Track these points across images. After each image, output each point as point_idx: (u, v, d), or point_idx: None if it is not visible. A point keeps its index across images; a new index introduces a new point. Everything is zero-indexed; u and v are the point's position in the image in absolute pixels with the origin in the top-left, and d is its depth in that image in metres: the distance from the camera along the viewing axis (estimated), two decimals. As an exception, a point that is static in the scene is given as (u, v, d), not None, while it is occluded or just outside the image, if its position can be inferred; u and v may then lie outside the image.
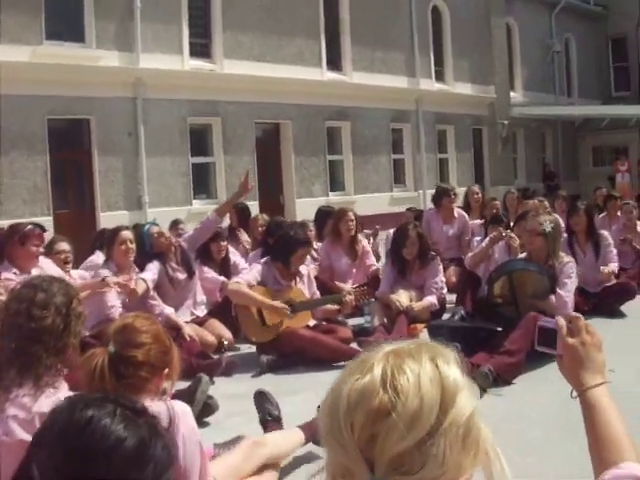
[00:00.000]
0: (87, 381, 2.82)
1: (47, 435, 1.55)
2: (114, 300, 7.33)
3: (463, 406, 1.36)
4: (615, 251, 9.70)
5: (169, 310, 7.67)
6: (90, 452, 1.49)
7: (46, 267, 7.14)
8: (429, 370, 1.37)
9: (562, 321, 2.12)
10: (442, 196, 11.78)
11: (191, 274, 8.31)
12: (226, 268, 9.16)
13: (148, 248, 8.13)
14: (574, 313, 2.18)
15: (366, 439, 1.32)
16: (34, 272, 7.04)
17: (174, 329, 7.24)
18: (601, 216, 12.58)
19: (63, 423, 1.54)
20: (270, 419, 4.92)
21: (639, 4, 33.82)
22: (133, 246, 7.70)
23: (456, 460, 1.33)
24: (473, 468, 1.37)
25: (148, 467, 1.54)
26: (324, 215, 11.28)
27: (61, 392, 3.10)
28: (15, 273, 6.81)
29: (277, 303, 7.49)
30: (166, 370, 2.99)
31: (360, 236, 10.36)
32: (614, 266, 9.44)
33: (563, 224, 12.21)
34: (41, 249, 7.22)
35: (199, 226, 8.67)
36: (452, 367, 1.40)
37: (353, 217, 10.05)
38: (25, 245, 6.93)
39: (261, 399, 5.05)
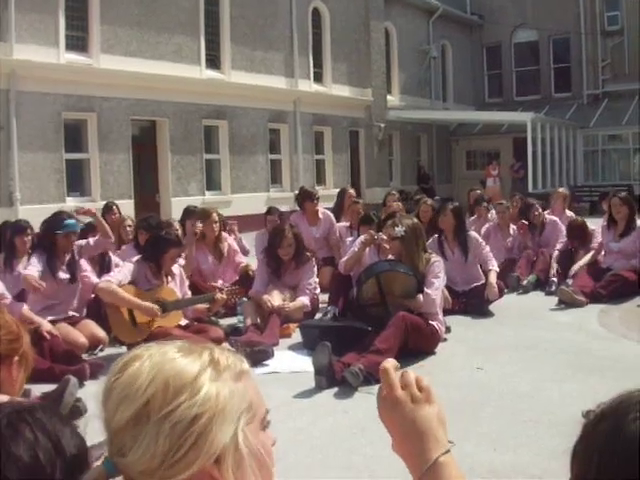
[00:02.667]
0: None
1: None
2: None
3: (188, 407, 1.34)
4: (488, 248, 9.98)
5: (21, 307, 7.35)
6: None
7: None
8: (161, 362, 1.39)
9: (389, 363, 1.63)
10: (305, 199, 11.90)
11: (74, 279, 8.14)
12: (107, 265, 9.02)
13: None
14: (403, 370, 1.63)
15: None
16: None
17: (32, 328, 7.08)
18: (472, 218, 13.00)
19: None
20: None
21: (513, 14, 34.91)
22: None
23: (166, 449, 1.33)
24: (196, 465, 1.34)
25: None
26: (189, 215, 11.28)
27: None
28: None
29: (147, 303, 7.43)
30: (16, 358, 2.89)
31: (225, 235, 10.40)
32: (494, 266, 9.72)
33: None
34: None
35: (95, 241, 8.42)
36: (186, 361, 1.40)
37: (217, 218, 10.07)
38: None
39: None
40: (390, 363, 1.62)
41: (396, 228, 7.61)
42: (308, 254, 9.03)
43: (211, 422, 1.34)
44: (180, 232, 10.51)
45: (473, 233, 10.11)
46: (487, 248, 9.96)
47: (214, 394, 1.36)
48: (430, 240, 9.58)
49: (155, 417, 1.33)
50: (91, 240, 8.36)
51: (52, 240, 7.94)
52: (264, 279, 8.85)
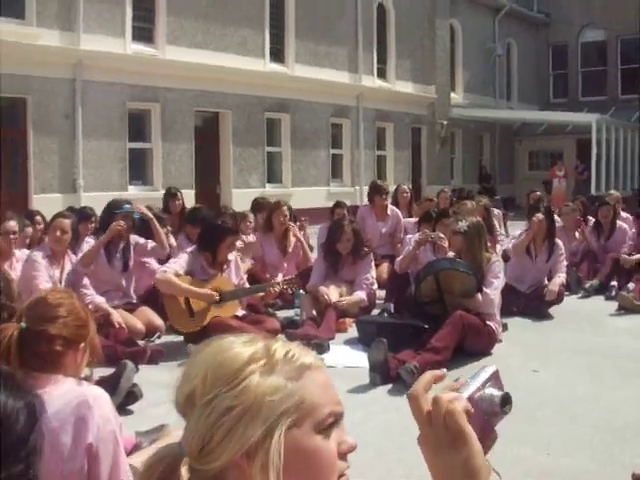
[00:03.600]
0: None
1: None
2: (43, 284, 7.18)
3: (224, 397, 1.34)
4: (565, 263, 9.89)
5: (99, 299, 7.59)
6: None
7: None
8: (215, 358, 1.39)
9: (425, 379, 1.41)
10: (375, 193, 11.87)
11: (127, 267, 8.26)
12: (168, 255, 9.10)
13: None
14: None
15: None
16: None
17: (103, 315, 7.25)
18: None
19: None
20: None
21: (581, 14, 34.37)
22: (67, 236, 7.58)
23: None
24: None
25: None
26: (259, 207, 11.31)
27: None
28: None
29: (205, 290, 7.45)
30: (82, 344, 2.96)
31: (295, 229, 10.35)
32: (562, 279, 9.58)
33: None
34: None
35: (151, 247, 8.47)
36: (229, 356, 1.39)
37: (287, 211, 10.04)
38: None
39: None
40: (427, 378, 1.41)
41: (459, 223, 7.54)
42: (366, 249, 9.00)
43: (243, 416, 1.32)
44: (253, 225, 10.59)
45: (559, 241, 9.93)
46: (565, 262, 9.86)
47: (253, 388, 1.34)
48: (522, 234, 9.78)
49: (199, 403, 1.34)
50: (149, 244, 8.42)
51: (110, 222, 8.05)
52: (322, 273, 8.84)
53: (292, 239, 10.09)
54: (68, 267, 7.60)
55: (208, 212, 10.05)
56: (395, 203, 12.67)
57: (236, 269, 8.05)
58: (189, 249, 7.94)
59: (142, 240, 8.44)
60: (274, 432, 1.32)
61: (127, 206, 8.33)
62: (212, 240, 7.70)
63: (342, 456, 1.41)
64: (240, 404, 1.32)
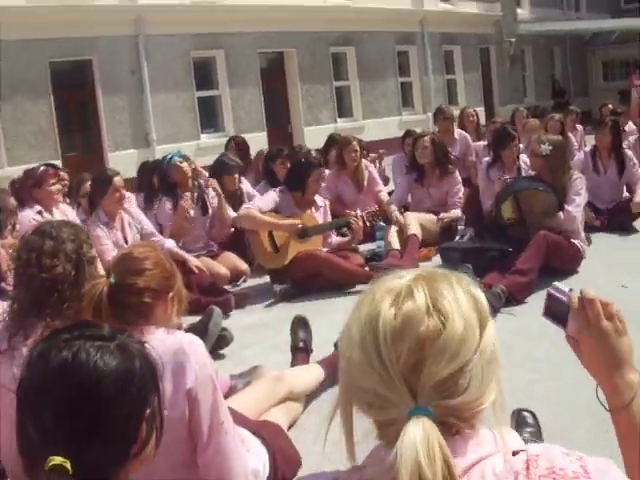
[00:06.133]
0: (88, 312, 2.83)
1: (29, 393, 1.60)
2: (111, 254, 7.07)
3: (491, 328, 1.40)
4: None
5: (170, 243, 7.51)
6: (76, 398, 1.55)
7: (68, 214, 7.41)
8: (463, 293, 1.38)
9: (575, 298, 1.76)
10: (437, 119, 11.75)
11: (205, 211, 8.29)
12: (239, 200, 9.13)
13: (169, 179, 8.21)
14: (604, 298, 1.75)
15: (410, 366, 1.31)
16: (56, 213, 7.28)
17: (180, 263, 7.27)
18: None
19: (40, 376, 1.59)
20: (302, 347, 4.97)
21: None
22: (125, 193, 7.56)
23: (485, 383, 1.36)
24: (493, 394, 1.37)
25: (131, 389, 1.60)
26: (331, 142, 11.23)
27: None
28: (39, 212, 7.09)
29: (288, 220, 7.39)
30: (170, 294, 3.01)
31: (366, 163, 10.28)
32: None
33: (576, 140, 12.14)
34: (59, 186, 7.48)
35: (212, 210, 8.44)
36: (479, 290, 1.42)
37: (357, 146, 9.95)
38: (42, 187, 7.23)
39: (299, 325, 5.11)
40: (591, 292, 1.74)
41: (542, 146, 7.33)
42: (451, 166, 8.95)
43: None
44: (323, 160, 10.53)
45: (629, 152, 9.68)
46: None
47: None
48: (581, 155, 9.59)
49: (479, 349, 1.36)
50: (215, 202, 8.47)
51: (166, 176, 8.20)
52: (404, 191, 9.00)
53: (365, 173, 10.02)
54: (127, 222, 7.49)
55: (293, 150, 10.06)
56: (462, 127, 12.47)
57: (325, 214, 7.98)
58: (278, 188, 7.85)
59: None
60: None
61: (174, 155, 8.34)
62: (299, 177, 7.67)
63: None
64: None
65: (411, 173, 8.99)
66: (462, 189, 9.09)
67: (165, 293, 2.99)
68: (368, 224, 8.47)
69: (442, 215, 8.63)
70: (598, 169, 9.39)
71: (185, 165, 8.25)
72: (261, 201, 7.66)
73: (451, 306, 1.34)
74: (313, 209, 7.81)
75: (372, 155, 11.32)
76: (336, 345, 4.80)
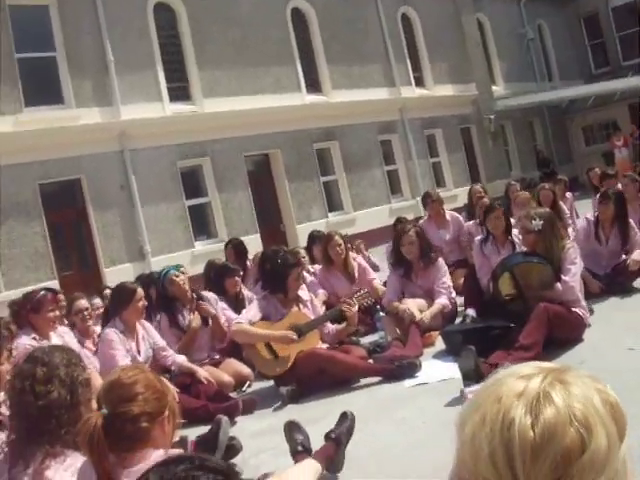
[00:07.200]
0: (85, 448, 2.80)
1: None
2: (123, 360, 7.16)
3: (626, 440, 1.24)
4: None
5: (181, 358, 7.65)
6: None
7: (65, 336, 7.47)
8: (599, 398, 1.23)
9: None
10: (426, 202, 11.85)
11: (206, 322, 8.34)
12: (240, 303, 9.20)
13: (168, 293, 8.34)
14: None
15: None
16: (53, 337, 7.26)
17: (189, 375, 7.31)
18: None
19: None
20: (301, 450, 4.88)
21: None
22: (144, 302, 7.66)
23: None
24: None
25: None
26: (313, 239, 11.41)
27: (70, 457, 3.12)
28: (34, 338, 7.05)
29: (281, 332, 7.41)
30: (166, 413, 2.97)
31: (353, 255, 10.35)
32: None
33: (567, 208, 12.14)
34: (57, 312, 7.49)
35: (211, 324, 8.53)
36: (613, 394, 1.27)
37: (340, 240, 9.99)
38: (40, 312, 7.21)
39: (291, 430, 5.02)
40: None
41: (533, 222, 7.40)
42: (434, 254, 8.92)
43: None
44: (307, 259, 10.61)
45: (631, 221, 9.63)
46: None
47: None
48: (583, 222, 9.63)
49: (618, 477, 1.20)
50: (221, 311, 8.53)
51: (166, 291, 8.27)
52: (396, 287, 8.79)
53: (354, 264, 10.06)
54: (141, 335, 7.59)
55: (270, 253, 10.13)
56: (470, 206, 12.50)
57: (313, 307, 8.01)
58: (259, 296, 7.96)
59: (213, 297, 8.57)
60: None
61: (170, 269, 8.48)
62: (278, 279, 7.71)
63: None
64: None
65: (397, 269, 8.95)
66: (447, 274, 8.96)
67: (160, 414, 2.95)
68: (365, 304, 8.38)
69: (424, 314, 8.26)
70: (600, 238, 9.39)
71: (182, 278, 8.33)
72: (249, 312, 7.69)
73: (593, 416, 1.20)
74: (300, 305, 7.82)
75: (357, 241, 11.47)
76: (327, 436, 4.89)
